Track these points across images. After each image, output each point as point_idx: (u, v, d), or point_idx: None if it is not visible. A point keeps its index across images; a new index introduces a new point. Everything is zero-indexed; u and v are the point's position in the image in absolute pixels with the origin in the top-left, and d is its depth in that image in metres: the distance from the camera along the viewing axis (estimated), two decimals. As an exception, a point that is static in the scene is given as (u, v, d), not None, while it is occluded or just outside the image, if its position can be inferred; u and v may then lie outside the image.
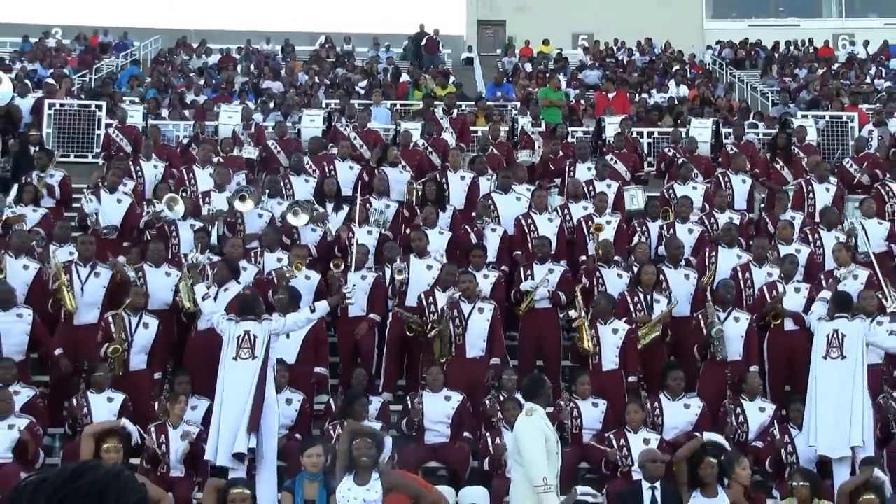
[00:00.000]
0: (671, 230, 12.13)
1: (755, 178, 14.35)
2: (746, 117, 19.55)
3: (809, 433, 9.07)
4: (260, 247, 11.63)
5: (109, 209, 12.20)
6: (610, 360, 10.17)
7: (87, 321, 10.21)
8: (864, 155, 15.35)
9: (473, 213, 12.61)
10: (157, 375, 10.16)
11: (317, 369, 10.30)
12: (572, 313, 10.65)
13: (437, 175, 13.33)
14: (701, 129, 16.33)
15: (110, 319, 9.87)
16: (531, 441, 7.32)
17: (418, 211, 12.75)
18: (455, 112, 17.33)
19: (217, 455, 8.64)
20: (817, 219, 12.71)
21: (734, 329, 10.32)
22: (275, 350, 9.19)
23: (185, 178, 13.36)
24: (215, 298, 9.76)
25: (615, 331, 10.23)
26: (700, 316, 10.39)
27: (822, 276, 11.12)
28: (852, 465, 8.87)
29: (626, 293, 10.79)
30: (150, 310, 10.19)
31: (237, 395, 8.68)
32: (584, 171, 13.88)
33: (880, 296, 10.44)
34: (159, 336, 10.04)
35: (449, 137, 15.52)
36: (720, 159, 15.33)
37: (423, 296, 10.62)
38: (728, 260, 11.49)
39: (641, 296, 10.69)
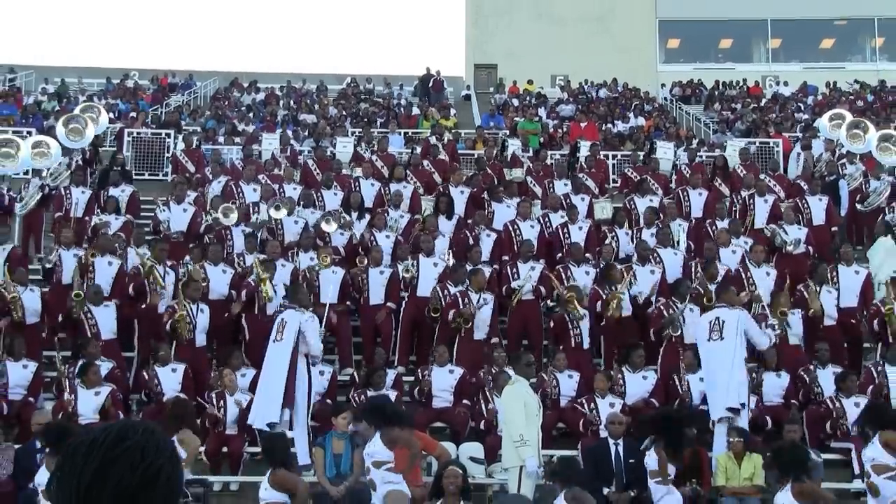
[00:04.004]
0: (640, 234, 12.01)
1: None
2: (690, 143, 19.45)
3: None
4: (296, 248, 11.60)
5: (177, 217, 12.21)
6: (585, 339, 10.15)
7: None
8: (778, 174, 15.17)
9: (470, 220, 12.59)
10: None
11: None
12: (558, 292, 10.55)
13: (441, 188, 13.29)
14: (665, 149, 16.27)
15: (175, 306, 9.87)
16: (511, 405, 7.52)
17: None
18: (446, 138, 17.34)
19: (255, 420, 8.54)
20: (759, 224, 12.55)
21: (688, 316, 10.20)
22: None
23: (235, 192, 13.34)
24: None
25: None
26: (662, 307, 10.24)
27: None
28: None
29: (595, 286, 10.75)
30: (210, 299, 10.23)
31: (272, 370, 8.56)
32: (560, 187, 13.85)
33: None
34: (211, 320, 10.05)
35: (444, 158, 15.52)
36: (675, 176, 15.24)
37: (438, 288, 10.59)
38: (666, 257, 11.38)
39: (608, 287, 10.61)
